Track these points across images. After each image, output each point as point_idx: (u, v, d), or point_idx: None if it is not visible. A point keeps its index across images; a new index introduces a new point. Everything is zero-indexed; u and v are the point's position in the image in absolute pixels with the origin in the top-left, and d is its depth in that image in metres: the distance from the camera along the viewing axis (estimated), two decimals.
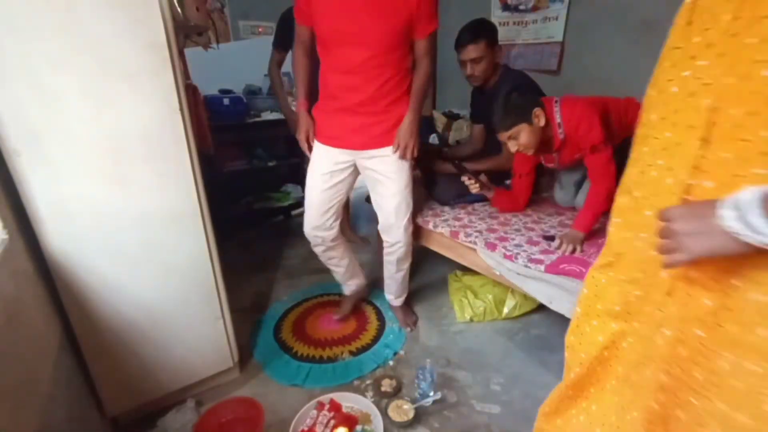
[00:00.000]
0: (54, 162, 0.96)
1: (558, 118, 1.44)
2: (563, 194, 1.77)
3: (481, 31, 1.66)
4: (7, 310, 0.79)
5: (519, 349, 1.65)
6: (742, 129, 0.47)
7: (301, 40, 1.44)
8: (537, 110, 1.40)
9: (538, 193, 1.88)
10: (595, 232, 1.41)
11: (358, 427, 1.26)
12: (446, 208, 1.77)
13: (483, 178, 1.66)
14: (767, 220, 0.40)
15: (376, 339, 1.71)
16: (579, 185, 1.72)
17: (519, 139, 1.42)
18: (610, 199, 1.38)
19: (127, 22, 0.96)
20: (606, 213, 1.41)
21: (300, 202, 2.97)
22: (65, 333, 1.10)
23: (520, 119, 1.40)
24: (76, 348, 1.13)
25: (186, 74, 1.96)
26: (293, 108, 2.27)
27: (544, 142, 1.45)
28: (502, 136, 1.46)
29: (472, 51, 1.65)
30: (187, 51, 2.01)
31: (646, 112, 0.61)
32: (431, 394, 1.36)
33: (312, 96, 1.50)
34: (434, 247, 1.73)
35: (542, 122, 1.40)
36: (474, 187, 1.62)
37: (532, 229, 1.52)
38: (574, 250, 1.34)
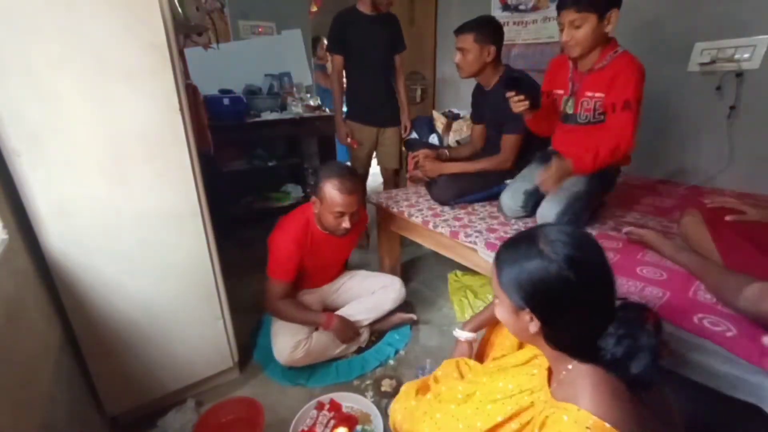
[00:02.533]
0: (54, 162, 0.96)
1: (616, 50, 1.38)
2: (511, 201, 1.59)
3: (472, 25, 1.69)
4: (7, 310, 0.79)
5: None
6: None
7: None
8: (615, 12, 1.30)
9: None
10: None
11: (358, 427, 1.26)
12: (446, 208, 1.77)
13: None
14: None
15: (379, 336, 1.71)
16: (530, 196, 1.55)
17: (578, 30, 1.33)
18: (614, 156, 1.33)
19: (127, 22, 0.96)
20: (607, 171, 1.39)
21: (300, 201, 2.97)
22: (65, 333, 1.10)
23: (595, 8, 1.29)
24: (76, 348, 1.13)
25: (186, 74, 1.95)
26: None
27: (591, 50, 1.38)
28: (566, 15, 1.34)
29: (460, 40, 1.70)
30: (187, 51, 2.01)
31: None
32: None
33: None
34: (434, 247, 1.73)
35: (609, 28, 1.32)
36: (521, 105, 1.44)
37: None
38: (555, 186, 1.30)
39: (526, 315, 0.66)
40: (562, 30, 1.40)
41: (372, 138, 2.36)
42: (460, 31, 1.70)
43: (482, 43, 1.68)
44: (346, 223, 1.41)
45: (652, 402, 0.65)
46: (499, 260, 0.71)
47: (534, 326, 0.65)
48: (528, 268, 0.64)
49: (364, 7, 2.14)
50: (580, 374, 0.62)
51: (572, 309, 0.63)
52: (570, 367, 0.65)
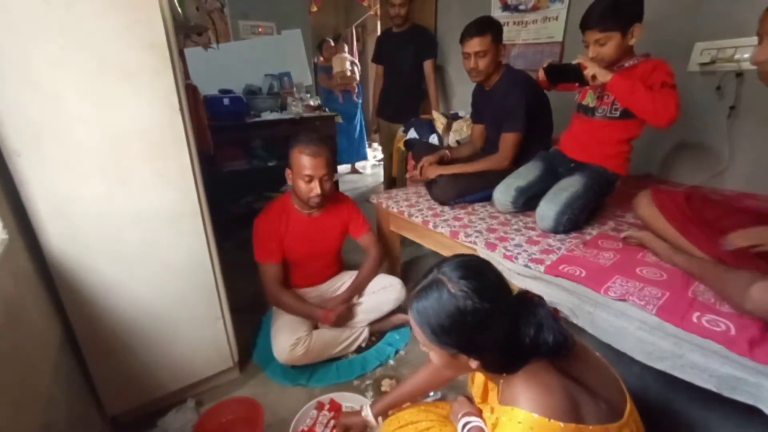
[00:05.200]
0: (54, 162, 0.96)
1: (644, 54, 1.42)
2: (502, 196, 1.62)
3: (488, 26, 1.68)
4: (7, 310, 0.79)
5: None
6: None
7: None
8: (638, 26, 1.33)
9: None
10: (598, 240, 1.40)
11: None
12: (446, 208, 1.77)
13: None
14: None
15: (379, 336, 1.72)
16: (521, 193, 1.60)
17: (603, 47, 1.37)
18: (651, 104, 1.29)
19: (127, 21, 0.96)
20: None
21: None
22: (65, 333, 1.10)
23: (619, 26, 1.34)
24: (76, 348, 1.13)
25: (186, 74, 1.96)
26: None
27: (618, 62, 1.41)
28: (591, 35, 1.39)
29: (477, 44, 1.66)
30: (187, 51, 2.02)
31: None
32: (431, 393, 1.36)
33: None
34: (434, 247, 1.73)
35: (633, 41, 1.36)
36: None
37: (533, 229, 1.52)
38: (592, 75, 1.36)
39: (463, 357, 0.68)
40: (587, 47, 1.43)
41: (387, 129, 2.98)
42: (478, 33, 1.65)
43: (498, 42, 1.69)
44: (316, 189, 1.44)
45: (585, 360, 0.72)
46: (418, 318, 0.68)
47: (474, 363, 0.68)
48: (449, 315, 0.64)
49: (394, 27, 2.73)
50: (511, 380, 0.68)
51: (496, 329, 0.65)
52: (504, 375, 0.71)
